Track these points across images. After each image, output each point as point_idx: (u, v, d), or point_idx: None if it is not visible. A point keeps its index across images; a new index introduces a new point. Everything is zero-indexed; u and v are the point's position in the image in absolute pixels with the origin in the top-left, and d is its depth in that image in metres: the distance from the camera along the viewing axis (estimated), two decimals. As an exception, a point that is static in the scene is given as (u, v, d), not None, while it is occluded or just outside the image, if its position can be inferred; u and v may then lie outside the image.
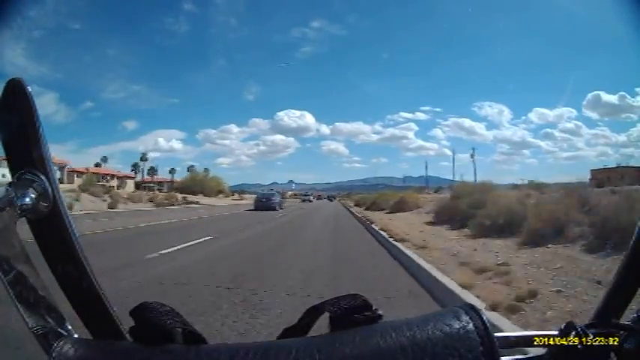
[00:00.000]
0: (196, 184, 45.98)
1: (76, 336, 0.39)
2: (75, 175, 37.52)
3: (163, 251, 6.12)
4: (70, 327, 0.40)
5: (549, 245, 5.36)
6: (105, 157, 61.30)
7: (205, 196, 41.31)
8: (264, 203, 22.80)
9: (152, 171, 62.83)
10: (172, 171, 64.91)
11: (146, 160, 62.87)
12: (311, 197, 62.62)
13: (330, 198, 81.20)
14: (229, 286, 3.95)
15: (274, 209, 21.94)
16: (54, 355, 0.35)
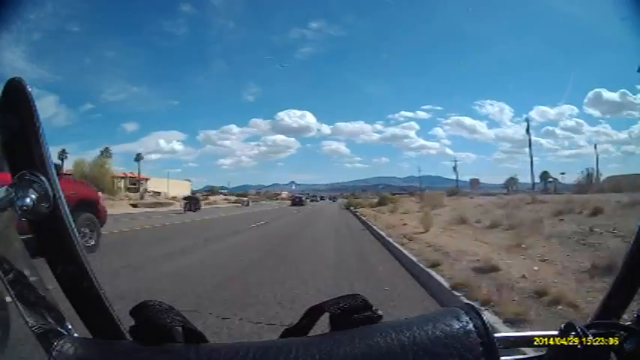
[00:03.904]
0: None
1: (76, 335, 0.39)
2: None
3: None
4: (70, 326, 0.40)
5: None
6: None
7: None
8: (297, 201, 42.21)
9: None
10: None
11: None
12: (317, 198, 79.93)
13: (332, 199, 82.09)
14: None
15: (303, 205, 40.18)
16: (54, 354, 0.35)
